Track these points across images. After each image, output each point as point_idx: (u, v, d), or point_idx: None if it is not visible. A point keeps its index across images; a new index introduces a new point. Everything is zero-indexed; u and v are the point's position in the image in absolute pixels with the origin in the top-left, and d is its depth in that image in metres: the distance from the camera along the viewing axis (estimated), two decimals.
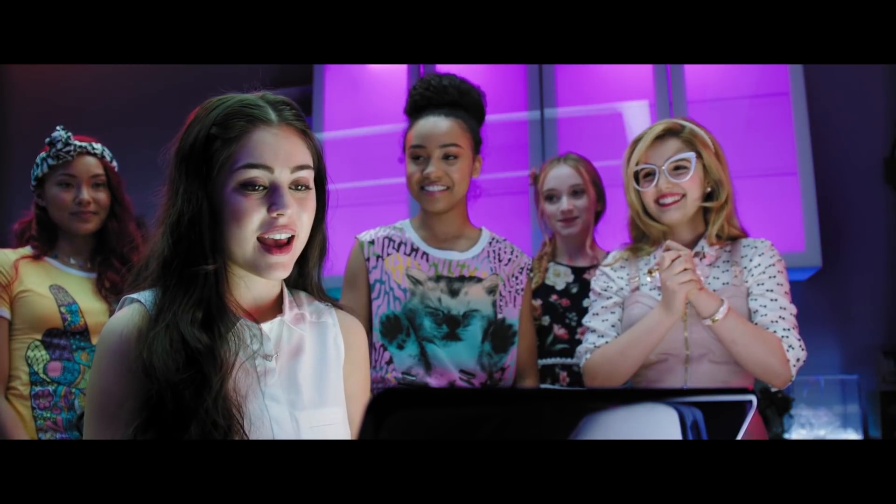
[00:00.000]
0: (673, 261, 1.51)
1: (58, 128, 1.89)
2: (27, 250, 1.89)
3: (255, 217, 1.01)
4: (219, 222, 1.02)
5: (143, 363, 0.95)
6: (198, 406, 0.94)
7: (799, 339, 1.55)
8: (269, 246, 1.02)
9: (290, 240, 1.03)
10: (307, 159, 1.06)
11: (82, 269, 1.92)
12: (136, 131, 2.64)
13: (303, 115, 1.09)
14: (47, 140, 1.88)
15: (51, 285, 1.83)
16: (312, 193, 1.07)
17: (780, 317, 1.57)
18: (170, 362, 0.95)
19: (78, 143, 1.89)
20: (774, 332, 1.55)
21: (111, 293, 1.87)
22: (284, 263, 1.04)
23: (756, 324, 1.58)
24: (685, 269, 1.49)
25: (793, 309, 1.59)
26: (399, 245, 1.73)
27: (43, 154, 1.89)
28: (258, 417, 1.00)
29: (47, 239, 1.90)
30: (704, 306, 1.53)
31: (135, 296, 1.04)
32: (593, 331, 1.70)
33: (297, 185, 1.04)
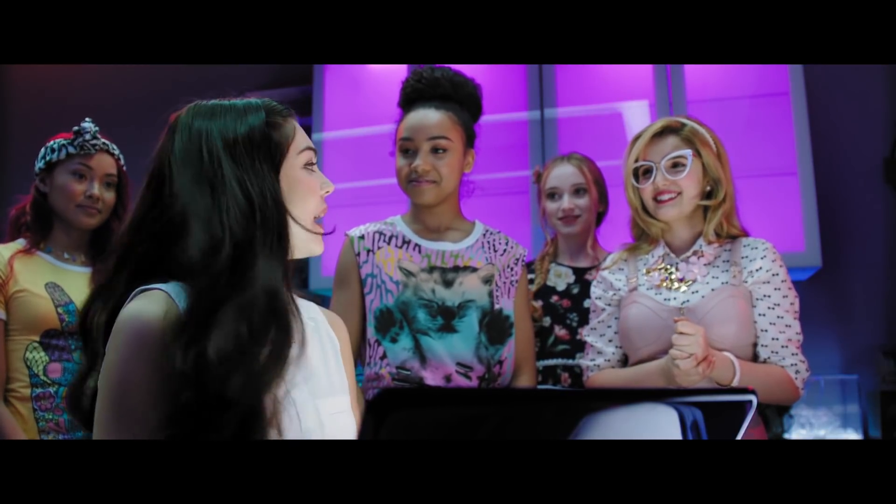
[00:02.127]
0: (687, 356, 1.46)
1: (87, 119, 1.89)
2: (20, 244, 1.86)
3: (318, 194, 1.11)
4: (284, 200, 1.07)
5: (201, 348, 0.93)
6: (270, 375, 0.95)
7: (803, 360, 1.59)
8: (318, 220, 1.13)
9: None
10: None
11: (76, 263, 1.90)
12: (135, 131, 2.65)
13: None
14: (74, 129, 1.87)
15: (46, 283, 1.81)
16: None
17: (788, 339, 1.58)
18: (243, 330, 0.94)
19: (102, 139, 1.90)
20: (783, 358, 1.58)
21: None
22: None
23: (763, 345, 1.59)
24: (697, 365, 1.46)
25: (797, 326, 1.60)
26: (390, 238, 1.71)
27: (63, 141, 1.87)
28: (283, 405, 0.98)
29: (41, 228, 1.88)
30: (721, 378, 1.53)
31: (156, 286, 0.99)
32: (592, 346, 1.74)
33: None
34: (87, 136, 1.87)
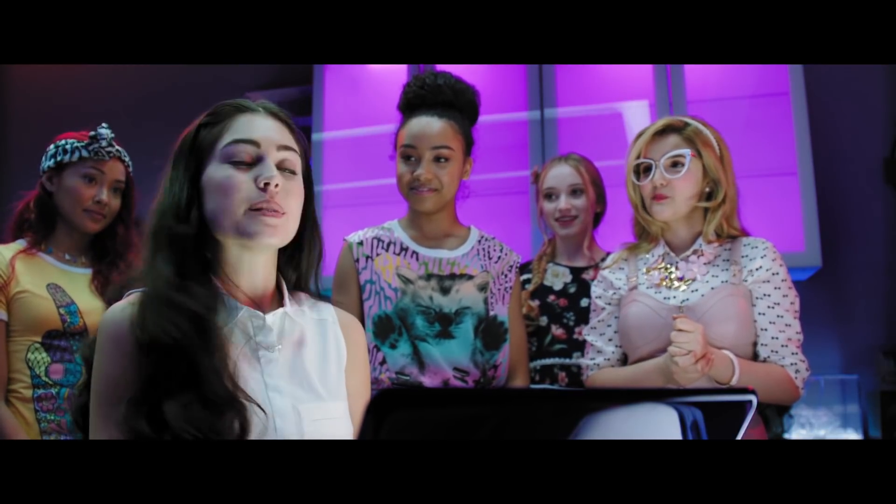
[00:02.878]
0: (685, 352, 1.45)
1: (104, 125, 1.89)
2: (20, 245, 1.86)
3: (244, 189, 1.03)
4: (207, 202, 1.04)
5: (143, 336, 0.96)
6: (202, 365, 0.95)
7: (803, 359, 1.58)
8: (261, 211, 1.03)
9: (281, 215, 1.05)
10: (293, 144, 1.09)
11: (77, 264, 1.90)
12: (135, 131, 2.64)
13: (289, 116, 1.13)
14: (91, 134, 1.87)
15: (48, 284, 1.81)
16: (300, 181, 1.09)
17: (788, 339, 1.58)
18: (168, 325, 0.96)
19: (117, 147, 1.90)
20: (782, 358, 1.57)
21: (103, 291, 1.87)
22: (277, 227, 1.04)
23: (763, 344, 1.59)
24: (696, 363, 1.45)
25: (797, 326, 1.60)
26: (388, 245, 1.72)
27: (76, 142, 1.86)
28: (252, 407, 0.99)
29: (44, 227, 1.88)
30: (720, 377, 1.53)
31: (139, 289, 1.05)
32: (592, 345, 1.74)
33: (283, 168, 1.06)
34: (104, 143, 1.87)
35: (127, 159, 1.94)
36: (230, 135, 1.05)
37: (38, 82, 3.61)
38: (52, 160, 1.87)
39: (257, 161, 1.04)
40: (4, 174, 3.51)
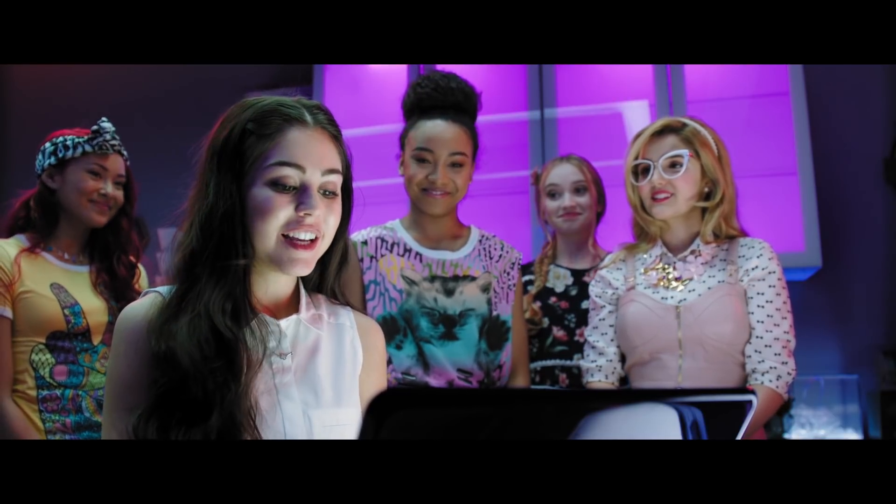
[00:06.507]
0: None
1: (105, 119, 1.90)
2: (21, 242, 1.85)
3: (281, 214, 1.01)
4: (245, 217, 1.02)
5: (164, 351, 0.95)
6: (223, 398, 0.94)
7: (786, 361, 1.56)
8: (293, 242, 1.02)
9: (313, 240, 1.04)
10: (337, 164, 1.07)
11: (76, 263, 1.90)
12: (135, 131, 2.64)
13: (335, 121, 1.11)
14: (94, 128, 1.88)
15: (51, 284, 1.80)
16: (339, 199, 1.08)
17: (775, 338, 1.57)
18: (195, 352, 0.95)
19: (118, 141, 1.91)
20: (762, 360, 1.56)
21: (107, 289, 1.87)
22: (307, 260, 1.04)
23: (748, 343, 1.59)
24: None
25: (786, 326, 1.59)
26: (392, 246, 1.73)
27: (77, 138, 1.87)
28: (270, 414, 1.00)
29: (46, 225, 1.87)
30: None
31: (155, 289, 1.05)
32: (593, 347, 1.73)
33: (325, 191, 1.05)
34: (108, 136, 1.88)
35: (126, 154, 1.94)
36: (277, 153, 1.01)
37: (38, 82, 3.61)
38: (53, 157, 1.87)
39: (301, 188, 1.02)
40: (4, 174, 3.51)
